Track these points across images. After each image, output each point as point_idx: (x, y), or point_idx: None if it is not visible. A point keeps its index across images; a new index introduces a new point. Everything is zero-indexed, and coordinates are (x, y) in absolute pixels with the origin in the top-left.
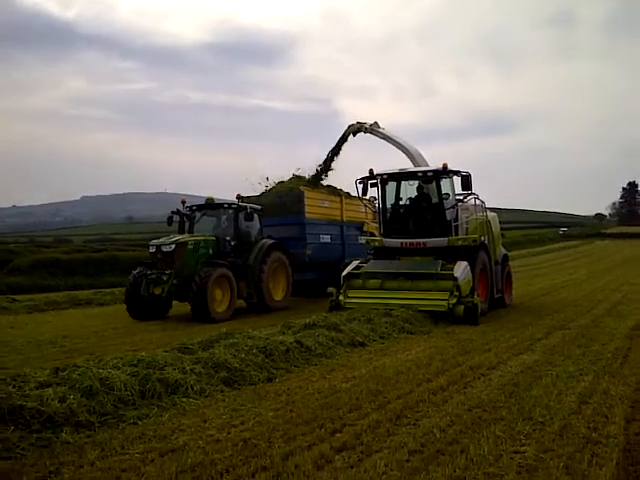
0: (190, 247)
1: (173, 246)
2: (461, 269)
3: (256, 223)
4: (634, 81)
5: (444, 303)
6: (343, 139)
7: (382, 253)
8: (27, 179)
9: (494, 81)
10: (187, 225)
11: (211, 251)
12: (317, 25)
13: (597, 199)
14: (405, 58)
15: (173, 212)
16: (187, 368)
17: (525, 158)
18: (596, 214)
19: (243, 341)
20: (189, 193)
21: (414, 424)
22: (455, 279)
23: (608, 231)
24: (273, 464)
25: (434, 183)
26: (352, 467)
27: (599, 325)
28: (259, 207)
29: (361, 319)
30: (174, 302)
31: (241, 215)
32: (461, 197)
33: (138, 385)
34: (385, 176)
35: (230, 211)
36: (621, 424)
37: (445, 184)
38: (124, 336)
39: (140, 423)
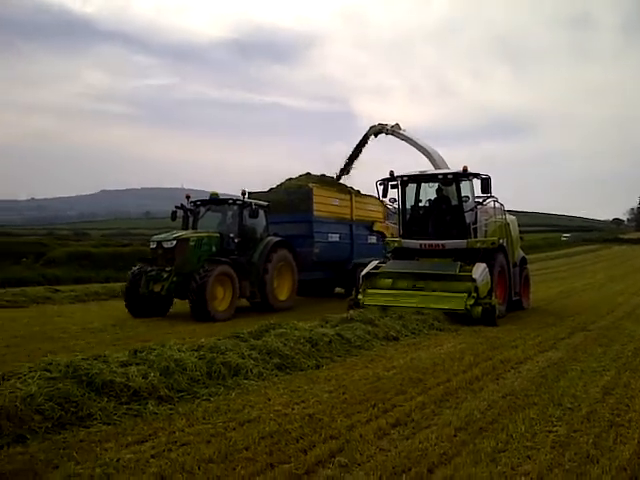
0: (192, 244)
1: (174, 242)
2: (479, 271)
3: (262, 220)
4: None
5: (462, 303)
6: (364, 140)
7: (401, 254)
8: (45, 173)
9: (513, 83)
10: (191, 221)
11: (214, 248)
12: (335, 25)
13: (615, 204)
14: (422, 58)
15: (177, 207)
16: (245, 354)
17: (543, 162)
18: (614, 219)
19: (291, 332)
20: (205, 189)
21: (456, 407)
22: (473, 280)
23: (626, 236)
24: (340, 434)
25: (454, 186)
26: (407, 439)
27: (619, 327)
28: (265, 203)
29: (393, 315)
30: (177, 300)
31: (246, 211)
32: (480, 200)
33: (205, 367)
34: (405, 178)
35: (235, 207)
36: None
37: (465, 187)
38: (169, 326)
39: (212, 399)
